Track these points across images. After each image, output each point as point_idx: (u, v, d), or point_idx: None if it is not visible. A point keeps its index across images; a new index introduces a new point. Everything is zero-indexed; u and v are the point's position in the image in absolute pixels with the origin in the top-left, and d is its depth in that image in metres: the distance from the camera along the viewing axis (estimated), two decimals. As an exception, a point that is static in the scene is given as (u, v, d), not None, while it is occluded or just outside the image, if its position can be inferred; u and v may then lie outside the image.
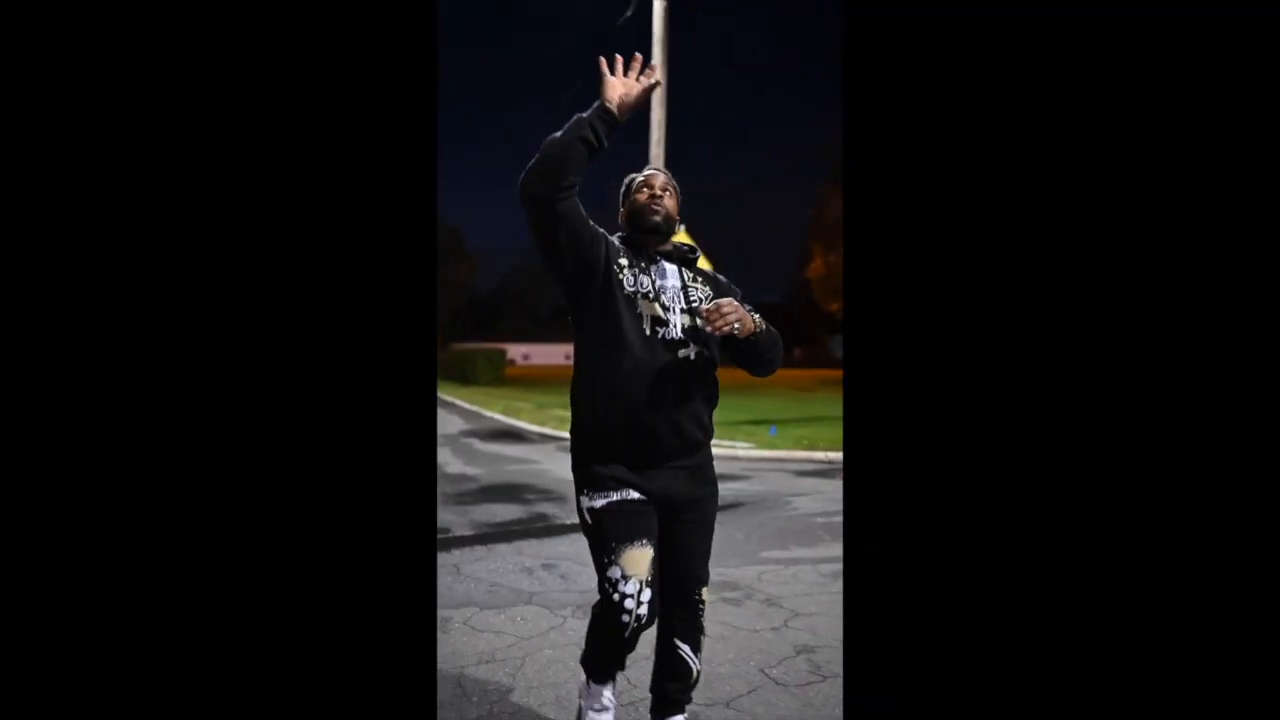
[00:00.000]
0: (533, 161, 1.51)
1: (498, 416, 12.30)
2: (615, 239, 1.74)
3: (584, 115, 1.53)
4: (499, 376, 22.27)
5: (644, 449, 1.63)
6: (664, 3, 8.72)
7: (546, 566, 3.55)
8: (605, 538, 1.61)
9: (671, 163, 9.11)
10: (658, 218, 1.73)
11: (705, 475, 1.74)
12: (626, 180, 1.83)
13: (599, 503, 1.63)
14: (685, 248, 1.81)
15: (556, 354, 49.78)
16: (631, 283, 1.64)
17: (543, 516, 4.76)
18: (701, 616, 1.75)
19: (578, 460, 1.70)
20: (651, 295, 1.65)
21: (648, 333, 1.62)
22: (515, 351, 46.84)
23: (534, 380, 24.32)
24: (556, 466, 6.88)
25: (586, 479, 1.66)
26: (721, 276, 1.85)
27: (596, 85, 1.55)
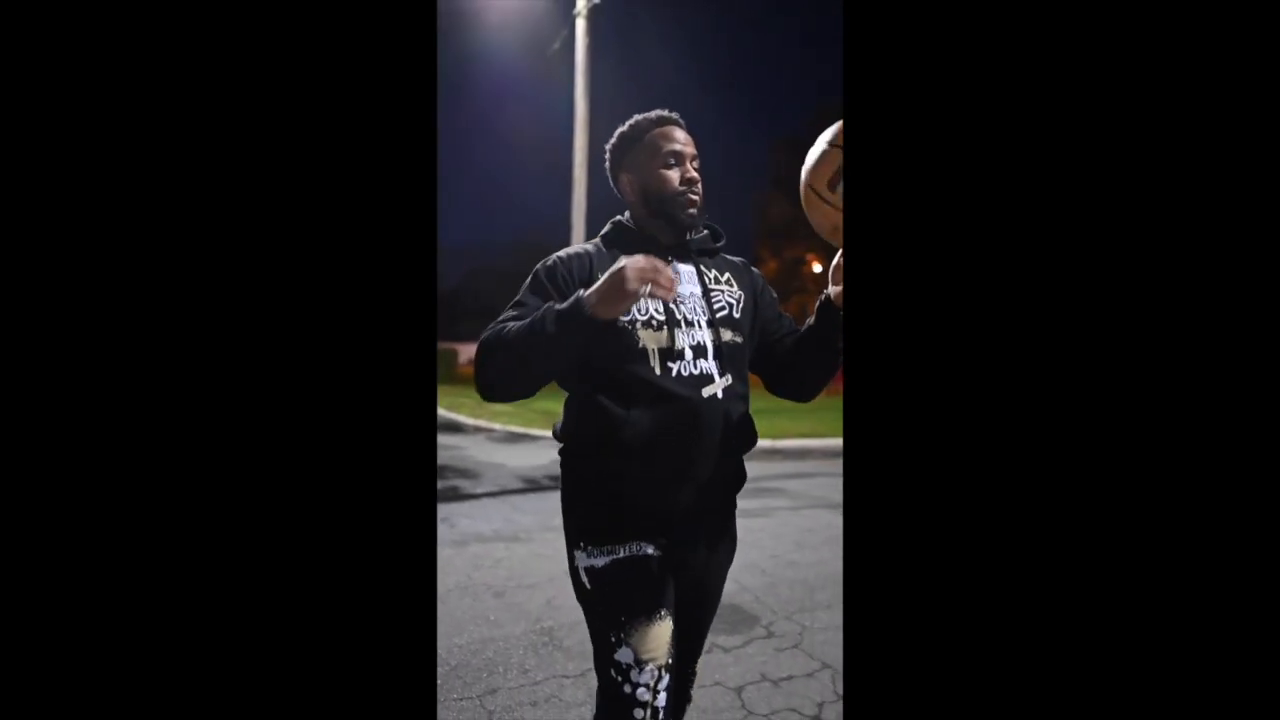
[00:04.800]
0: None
1: (440, 411, 13.06)
2: (598, 245, 1.29)
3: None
4: (451, 375, 22.94)
5: (658, 518, 1.23)
6: (586, 38, 9.68)
7: (440, 520, 4.43)
8: (612, 609, 1.19)
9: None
10: (694, 211, 1.26)
11: (728, 528, 1.34)
12: (631, 125, 1.29)
13: (600, 561, 1.21)
14: (705, 232, 1.32)
15: (515, 354, 49.84)
16: (628, 310, 1.16)
17: (455, 489, 5.56)
18: (691, 687, 1.36)
19: (570, 503, 1.28)
20: (659, 322, 1.20)
21: (658, 371, 1.18)
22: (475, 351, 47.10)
23: (487, 379, 24.99)
24: (481, 453, 7.72)
25: (582, 528, 1.25)
26: (755, 269, 1.41)
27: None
